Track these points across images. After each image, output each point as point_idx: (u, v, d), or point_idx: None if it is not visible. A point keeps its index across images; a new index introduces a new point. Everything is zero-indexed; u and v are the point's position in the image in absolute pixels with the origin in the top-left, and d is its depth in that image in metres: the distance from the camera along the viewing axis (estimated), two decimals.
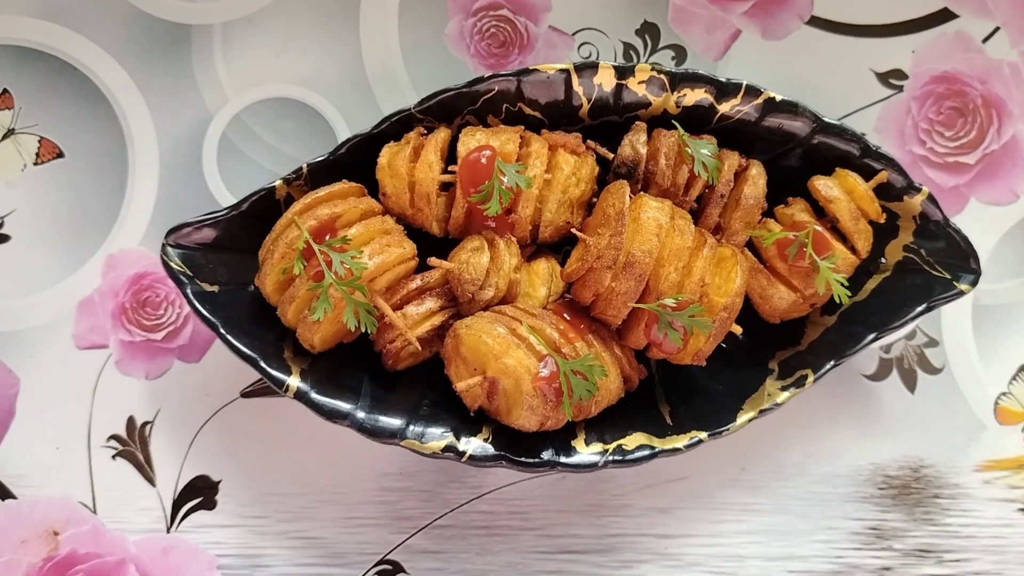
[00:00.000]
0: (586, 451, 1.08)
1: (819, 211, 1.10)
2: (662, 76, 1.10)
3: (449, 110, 1.11)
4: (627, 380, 1.10)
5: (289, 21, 1.22)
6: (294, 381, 1.05)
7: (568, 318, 1.06)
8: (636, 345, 1.07)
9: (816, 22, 1.26)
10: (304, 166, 1.09)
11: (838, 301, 1.06)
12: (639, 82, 1.11)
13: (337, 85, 1.22)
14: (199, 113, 1.21)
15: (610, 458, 1.07)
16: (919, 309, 1.10)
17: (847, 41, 1.26)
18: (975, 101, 1.25)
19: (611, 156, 1.12)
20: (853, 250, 1.09)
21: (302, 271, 1.01)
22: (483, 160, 1.06)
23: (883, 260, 1.14)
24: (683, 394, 1.14)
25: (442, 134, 1.09)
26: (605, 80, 1.11)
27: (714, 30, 1.26)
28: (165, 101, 1.21)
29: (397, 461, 1.17)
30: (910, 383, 1.22)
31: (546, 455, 1.07)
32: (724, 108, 1.11)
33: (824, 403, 1.21)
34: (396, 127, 1.10)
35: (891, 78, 1.26)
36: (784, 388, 1.10)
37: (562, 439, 1.08)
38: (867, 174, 1.10)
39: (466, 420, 1.07)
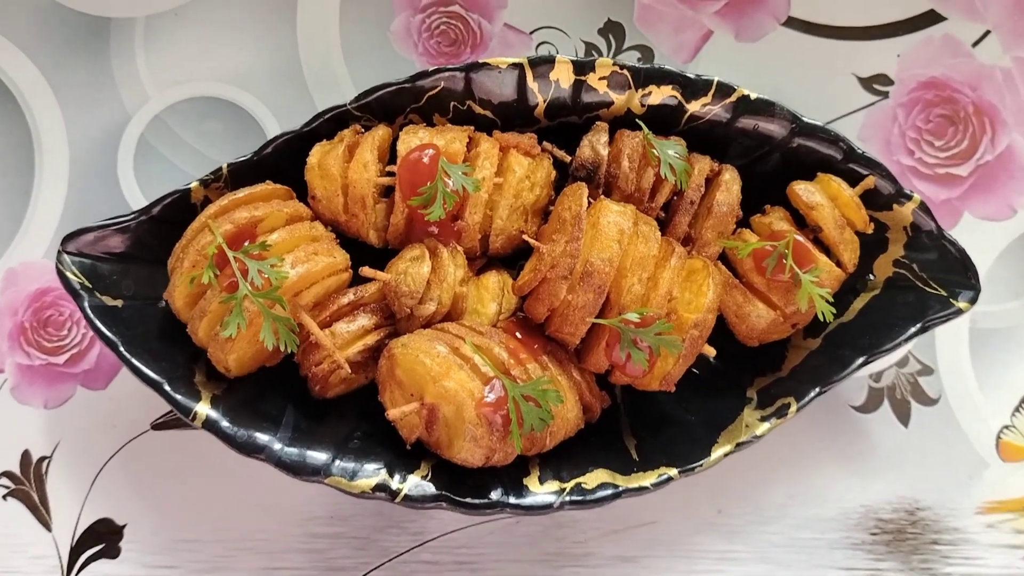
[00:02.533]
0: (540, 490, 0.95)
1: (800, 220, 0.99)
2: (625, 72, 0.99)
3: (390, 108, 1.00)
4: (587, 409, 0.97)
5: (220, 14, 1.12)
6: (203, 408, 0.91)
7: (520, 337, 0.94)
8: (597, 368, 0.95)
9: (793, 23, 1.17)
10: (224, 166, 0.97)
11: (822, 320, 0.94)
12: (600, 78, 1.00)
13: (270, 83, 1.11)
14: (116, 113, 1.09)
15: (568, 498, 0.94)
16: (912, 330, 0.98)
17: (827, 44, 1.17)
18: (966, 109, 1.16)
19: (569, 159, 1.00)
20: (838, 263, 0.97)
21: (214, 281, 0.88)
22: (425, 160, 0.94)
23: (872, 277, 1.03)
24: (651, 426, 1.02)
25: (380, 132, 0.98)
26: (563, 76, 1.00)
27: (683, 30, 1.16)
28: (78, 99, 1.09)
29: (327, 503, 1.03)
30: (903, 415, 1.10)
31: (494, 495, 0.93)
32: (693, 107, 1.00)
33: (809, 437, 1.08)
34: (330, 125, 0.99)
35: (875, 83, 1.16)
36: (764, 419, 0.98)
37: (512, 477, 0.95)
38: (852, 180, 0.99)
39: (403, 455, 0.94)
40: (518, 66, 0.99)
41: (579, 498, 0.94)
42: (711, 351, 0.95)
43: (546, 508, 0.93)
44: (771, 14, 1.17)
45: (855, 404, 1.10)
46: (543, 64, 0.99)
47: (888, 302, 1.02)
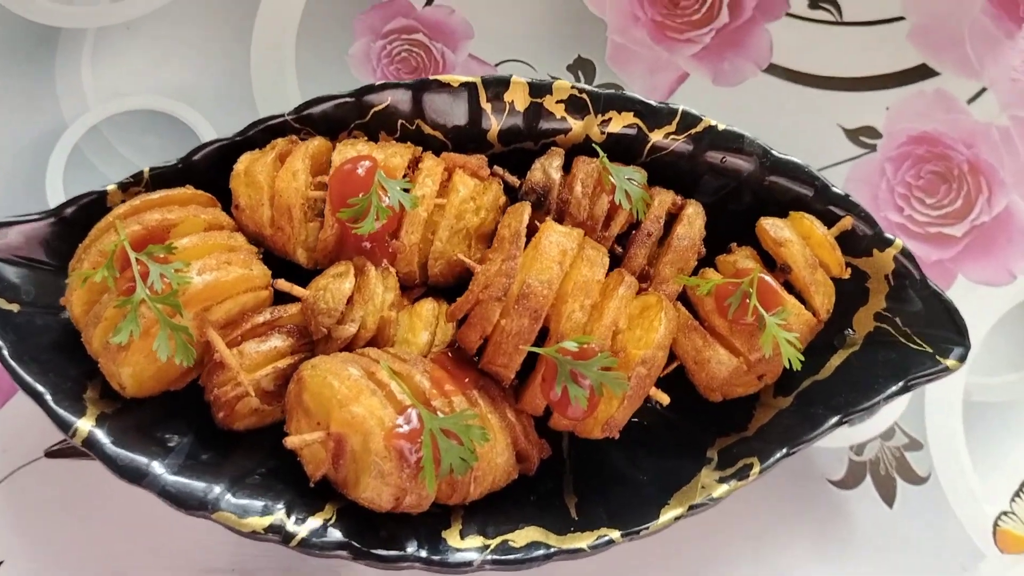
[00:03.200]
0: (461, 545, 0.83)
1: (770, 262, 0.90)
2: (584, 96, 0.93)
3: (333, 122, 0.93)
4: (523, 457, 0.86)
5: (173, 30, 1.08)
6: (85, 425, 0.82)
7: (450, 369, 0.84)
8: (534, 409, 0.84)
9: (775, 71, 1.11)
10: (146, 170, 0.90)
11: (788, 367, 0.84)
12: (557, 102, 0.93)
13: (216, 101, 1.05)
14: (52, 121, 1.04)
15: (491, 556, 0.82)
16: (893, 388, 0.87)
17: (811, 93, 1.10)
18: (960, 167, 1.07)
19: (519, 183, 0.93)
20: (810, 308, 0.87)
21: (110, 282, 0.80)
22: (360, 171, 0.87)
23: (850, 332, 0.93)
24: (597, 483, 0.90)
25: (316, 142, 0.91)
26: (518, 98, 0.93)
27: (658, 71, 1.10)
28: (15, 105, 1.04)
29: (230, 552, 0.92)
30: (888, 494, 0.97)
31: (408, 548, 0.82)
32: (656, 137, 0.93)
33: (779, 511, 0.96)
34: (266, 136, 0.93)
35: (862, 135, 1.09)
36: (723, 479, 0.86)
37: (430, 528, 0.84)
38: (829, 222, 0.90)
39: (307, 494, 0.83)
40: (471, 85, 0.93)
41: (504, 557, 0.82)
42: (663, 398, 0.85)
43: (465, 566, 0.81)
44: (752, 60, 1.11)
45: (833, 478, 0.98)
46: (497, 85, 0.93)
47: (868, 360, 0.91)
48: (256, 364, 0.84)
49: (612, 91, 0.93)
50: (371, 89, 0.93)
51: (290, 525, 0.80)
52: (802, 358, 0.84)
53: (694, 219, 0.91)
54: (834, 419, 0.87)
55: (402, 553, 0.81)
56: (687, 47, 1.11)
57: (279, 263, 0.91)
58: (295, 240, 0.89)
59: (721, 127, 0.92)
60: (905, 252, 0.89)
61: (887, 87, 1.11)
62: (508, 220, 0.84)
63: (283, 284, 0.85)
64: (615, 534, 0.84)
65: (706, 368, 0.87)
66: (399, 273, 0.90)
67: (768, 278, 0.86)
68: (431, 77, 0.93)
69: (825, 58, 1.11)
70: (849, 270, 0.90)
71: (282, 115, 0.92)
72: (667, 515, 0.85)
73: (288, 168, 0.88)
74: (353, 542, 0.81)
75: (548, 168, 0.91)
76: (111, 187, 0.89)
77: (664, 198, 0.91)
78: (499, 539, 0.83)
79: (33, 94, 1.05)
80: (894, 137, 1.10)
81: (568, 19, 1.10)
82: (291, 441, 0.78)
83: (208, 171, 0.92)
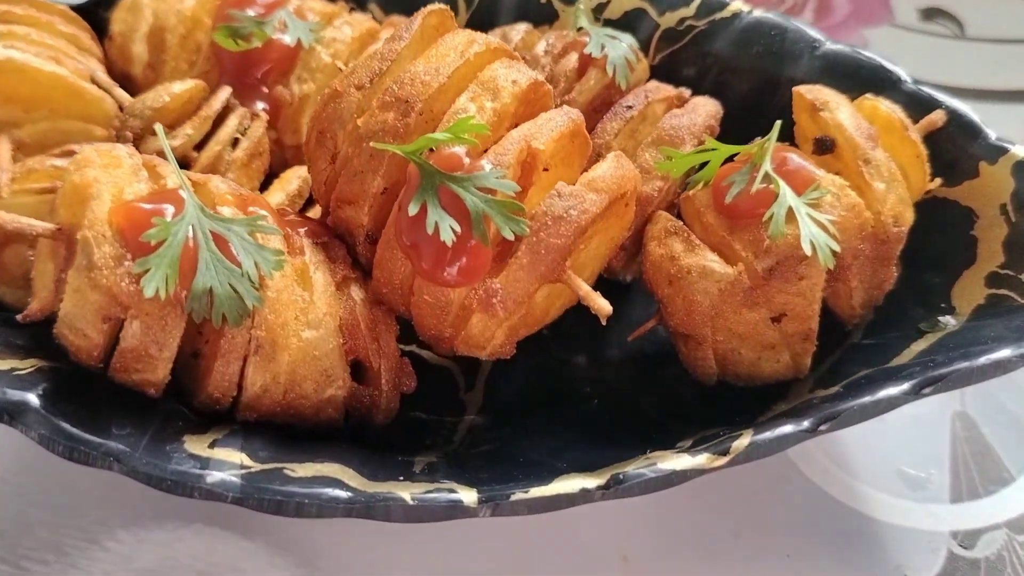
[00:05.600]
0: (200, 452, 0.49)
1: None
2: None
3: None
4: (363, 371, 0.54)
5: None
6: None
7: (289, 218, 0.56)
8: (386, 271, 0.53)
9: None
10: None
11: (822, 260, 0.50)
12: None
13: None
14: None
15: (240, 480, 0.47)
16: (1007, 353, 0.49)
17: None
18: None
19: None
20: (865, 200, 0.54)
21: None
22: None
23: (947, 316, 0.57)
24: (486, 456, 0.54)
25: None
26: None
27: None
28: None
29: None
30: None
31: (114, 432, 0.49)
32: (669, 22, 0.68)
33: None
34: None
35: None
36: (692, 450, 0.49)
37: (168, 425, 0.50)
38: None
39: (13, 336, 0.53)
40: None
41: (266, 486, 0.47)
42: (602, 304, 0.51)
43: (187, 484, 0.46)
44: None
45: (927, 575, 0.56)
46: None
47: (970, 338, 0.54)
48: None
49: None
50: None
51: None
52: (836, 247, 0.50)
53: (699, 106, 0.62)
54: (903, 387, 0.49)
55: (97, 440, 0.47)
56: None
57: None
58: (165, 82, 0.68)
59: (757, 12, 0.66)
60: None
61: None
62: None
63: (102, 78, 0.62)
64: (470, 495, 0.47)
65: (685, 289, 0.54)
66: (283, 142, 0.66)
67: (793, 154, 0.55)
68: None
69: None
70: (936, 181, 0.57)
71: None
72: (564, 484, 0.47)
73: None
74: (42, 408, 0.48)
75: (508, 32, 0.68)
76: None
77: (663, 89, 0.64)
78: (270, 465, 0.48)
79: None
80: None
81: None
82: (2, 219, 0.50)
83: None
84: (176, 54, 0.68)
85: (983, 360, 0.49)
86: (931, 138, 0.58)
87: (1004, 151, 0.57)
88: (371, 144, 0.51)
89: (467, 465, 0.52)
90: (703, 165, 0.58)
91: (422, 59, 0.54)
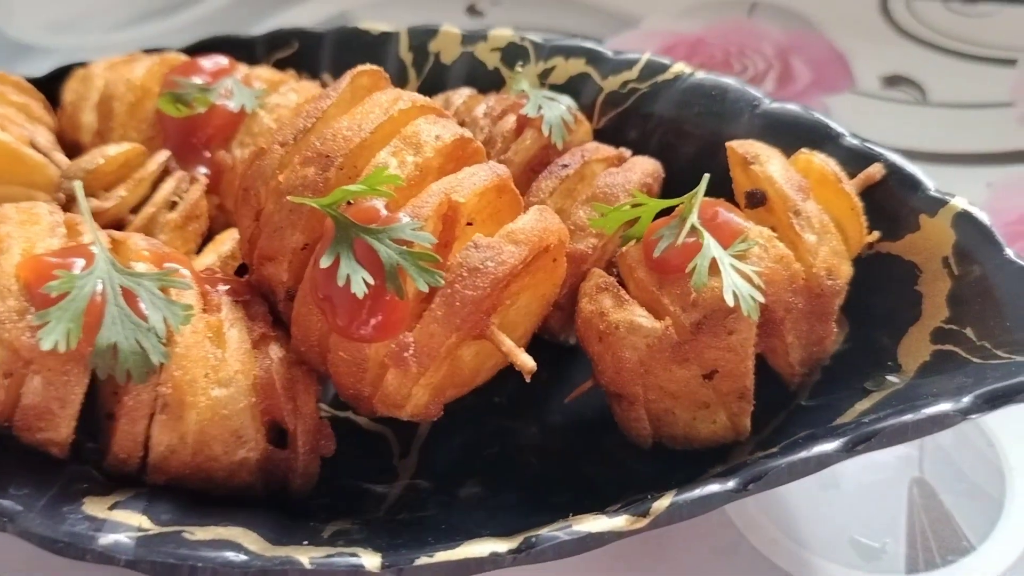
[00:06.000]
0: (98, 514, 0.47)
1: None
2: (526, 44, 0.72)
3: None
4: (279, 432, 0.52)
5: None
6: None
7: (213, 276, 0.55)
8: (302, 326, 0.52)
9: None
10: None
11: (745, 311, 0.48)
12: (492, 50, 0.73)
13: None
14: None
15: (136, 543, 0.45)
16: (945, 408, 0.47)
17: None
18: None
19: None
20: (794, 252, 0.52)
21: None
22: (208, 64, 0.69)
23: (893, 372, 0.55)
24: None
25: (182, 57, 0.73)
26: (445, 48, 0.74)
27: None
28: None
29: None
30: None
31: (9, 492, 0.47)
32: (612, 86, 0.68)
33: None
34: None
35: None
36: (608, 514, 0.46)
37: (70, 488, 0.49)
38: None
39: None
40: (393, 36, 0.75)
41: (163, 548, 0.44)
42: (525, 360, 0.49)
43: (80, 547, 0.44)
44: None
45: None
46: (423, 35, 0.75)
47: (915, 394, 0.51)
48: None
49: (559, 37, 0.72)
50: (279, 35, 0.77)
51: None
52: (760, 298, 0.48)
53: (636, 165, 0.62)
54: (838, 443, 0.47)
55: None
56: None
57: None
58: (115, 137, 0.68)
59: (699, 74, 0.66)
60: (967, 214, 0.54)
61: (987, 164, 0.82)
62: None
63: (41, 144, 0.63)
64: (373, 559, 0.44)
65: (614, 345, 0.52)
66: (225, 207, 0.66)
67: (723, 208, 0.54)
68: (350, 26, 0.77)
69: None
70: (875, 235, 0.56)
71: (173, 48, 0.77)
72: (473, 548, 0.45)
73: (129, 61, 0.71)
74: None
75: (452, 96, 0.68)
76: None
77: (601, 149, 0.63)
78: (169, 528, 0.46)
79: None
80: (1001, 214, 0.77)
81: None
82: None
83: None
84: (124, 122, 0.69)
85: (919, 415, 0.47)
86: (873, 192, 0.57)
87: (944, 203, 0.55)
88: (289, 199, 0.51)
89: (384, 531, 0.50)
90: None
91: (347, 116, 0.54)
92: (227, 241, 0.63)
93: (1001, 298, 0.52)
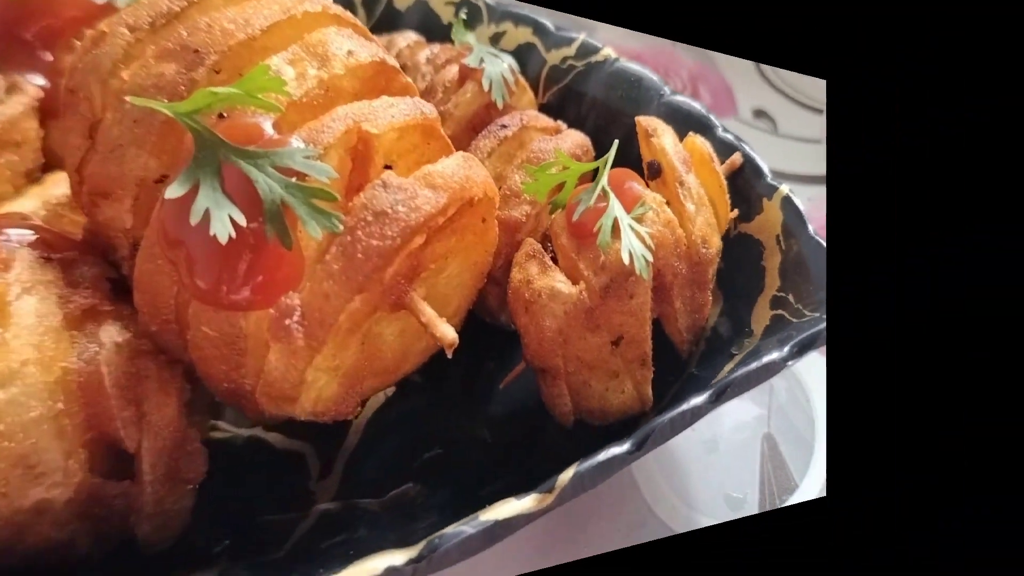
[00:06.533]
0: None
1: None
2: (479, 3, 0.81)
3: None
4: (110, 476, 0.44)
5: None
6: None
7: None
8: (144, 281, 0.42)
9: None
10: None
11: (638, 270, 0.59)
12: (447, 3, 0.82)
13: None
14: None
15: None
16: (773, 357, 0.62)
17: None
18: None
19: None
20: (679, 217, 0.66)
21: None
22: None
23: (748, 337, 0.69)
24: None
25: None
26: None
27: None
28: None
29: None
30: None
31: None
32: (554, 59, 0.79)
33: None
34: None
35: None
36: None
37: None
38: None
39: None
40: None
41: None
42: (446, 331, 0.46)
43: None
44: None
45: None
46: None
47: (759, 350, 0.66)
48: None
49: (512, 3, 0.81)
50: None
51: None
52: (650, 258, 0.61)
53: (568, 135, 0.72)
54: (706, 395, 0.60)
55: None
56: None
57: None
58: None
59: (621, 60, 0.79)
60: (789, 198, 0.70)
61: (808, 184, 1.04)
62: None
63: None
64: None
65: (537, 315, 0.60)
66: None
67: (631, 178, 0.66)
68: None
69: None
70: (735, 212, 0.71)
71: None
72: (369, 564, 0.46)
73: None
74: None
75: (396, 38, 0.76)
76: None
77: (539, 115, 0.73)
78: None
79: None
80: (813, 221, 0.98)
81: None
82: None
83: None
84: None
85: (757, 365, 0.60)
86: (735, 179, 0.72)
87: (775, 188, 0.70)
88: (132, 101, 0.35)
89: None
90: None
91: (233, 5, 0.41)
92: (61, 183, 0.47)
93: (809, 267, 0.67)
